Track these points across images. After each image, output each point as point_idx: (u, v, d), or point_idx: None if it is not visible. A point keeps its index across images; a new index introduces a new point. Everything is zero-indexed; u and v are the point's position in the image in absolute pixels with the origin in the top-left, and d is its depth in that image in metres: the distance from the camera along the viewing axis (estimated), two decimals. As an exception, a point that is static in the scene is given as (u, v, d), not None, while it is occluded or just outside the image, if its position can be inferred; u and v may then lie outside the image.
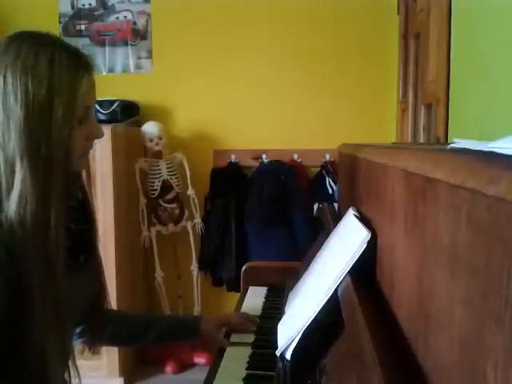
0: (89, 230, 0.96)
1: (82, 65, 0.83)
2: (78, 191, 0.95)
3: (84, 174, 0.98)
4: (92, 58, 0.88)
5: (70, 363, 0.86)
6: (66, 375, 0.86)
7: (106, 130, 2.26)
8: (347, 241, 0.86)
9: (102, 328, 1.08)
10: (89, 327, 1.05)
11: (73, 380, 0.89)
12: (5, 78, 0.76)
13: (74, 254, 0.89)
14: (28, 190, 0.75)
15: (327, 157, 2.64)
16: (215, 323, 1.19)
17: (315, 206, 2.57)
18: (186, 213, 2.58)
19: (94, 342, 1.08)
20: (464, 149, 0.54)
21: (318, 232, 1.44)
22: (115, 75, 2.79)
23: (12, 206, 0.75)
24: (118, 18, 2.78)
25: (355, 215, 0.93)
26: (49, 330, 0.77)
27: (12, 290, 0.74)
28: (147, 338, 1.14)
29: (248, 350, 1.10)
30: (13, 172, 0.76)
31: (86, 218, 0.95)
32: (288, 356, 0.89)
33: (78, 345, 1.05)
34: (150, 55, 2.77)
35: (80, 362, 0.93)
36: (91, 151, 0.92)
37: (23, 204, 0.75)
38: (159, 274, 2.54)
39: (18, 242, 0.75)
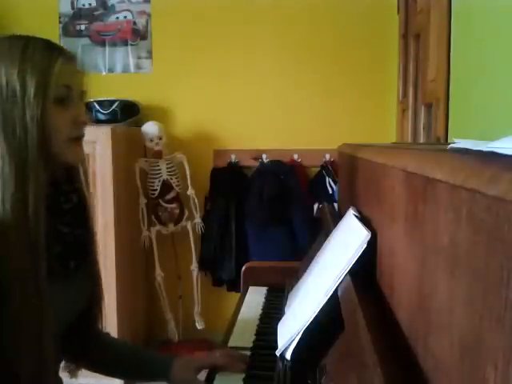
0: (83, 236, 0.92)
1: (57, 49, 0.84)
2: (73, 193, 0.92)
3: (83, 176, 0.95)
4: (71, 51, 0.88)
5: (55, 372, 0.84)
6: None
7: (106, 130, 2.27)
8: (347, 241, 0.86)
9: (87, 350, 1.01)
10: (71, 346, 0.97)
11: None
12: None
13: (63, 259, 0.85)
14: (6, 171, 0.77)
15: (327, 157, 2.64)
16: (193, 366, 1.01)
17: (315, 206, 2.57)
18: (186, 213, 2.58)
19: (72, 363, 1.01)
20: (464, 149, 0.54)
21: (318, 232, 1.44)
22: (115, 75, 2.79)
23: None
24: (118, 18, 2.78)
25: (355, 215, 0.93)
26: (25, 334, 0.75)
27: None
28: (112, 372, 1.07)
29: (248, 351, 1.10)
30: None
31: (81, 224, 0.92)
32: (288, 356, 0.89)
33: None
34: (150, 55, 2.77)
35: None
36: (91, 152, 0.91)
37: (1, 184, 0.76)
38: (159, 274, 2.54)
39: None
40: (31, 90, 0.78)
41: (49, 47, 0.83)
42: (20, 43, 0.80)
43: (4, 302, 0.74)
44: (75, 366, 1.02)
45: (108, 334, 1.09)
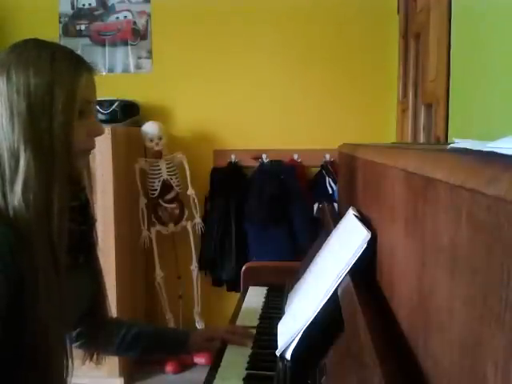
0: (88, 232, 0.97)
1: (82, 62, 0.87)
2: (81, 192, 0.96)
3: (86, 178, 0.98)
4: (93, 63, 0.92)
5: (68, 362, 0.86)
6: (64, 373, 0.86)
7: (106, 130, 2.26)
8: (347, 241, 0.86)
9: (98, 335, 1.07)
10: (86, 332, 1.07)
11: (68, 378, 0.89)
12: (8, 73, 0.80)
13: (74, 253, 0.90)
14: (32, 175, 0.78)
15: (327, 157, 2.64)
16: (204, 336, 1.16)
17: (315, 206, 2.57)
18: (186, 213, 2.58)
19: (90, 349, 1.08)
20: (464, 149, 0.54)
21: (318, 232, 1.44)
22: (115, 75, 2.79)
23: (17, 192, 0.78)
24: (118, 18, 2.78)
25: (355, 215, 0.93)
26: (50, 325, 0.79)
27: (15, 290, 0.75)
28: (135, 350, 1.14)
29: (248, 350, 1.10)
30: (17, 160, 0.78)
31: (86, 220, 0.96)
32: (288, 356, 0.89)
33: (74, 348, 1.04)
34: (150, 55, 2.77)
35: (80, 362, 0.92)
36: (92, 151, 0.93)
37: (27, 190, 0.78)
38: (159, 274, 2.54)
39: (23, 233, 0.77)
40: (59, 102, 0.80)
41: (74, 59, 0.85)
42: (47, 53, 0.82)
43: (26, 299, 0.76)
44: (93, 351, 1.08)
45: (118, 319, 1.17)
